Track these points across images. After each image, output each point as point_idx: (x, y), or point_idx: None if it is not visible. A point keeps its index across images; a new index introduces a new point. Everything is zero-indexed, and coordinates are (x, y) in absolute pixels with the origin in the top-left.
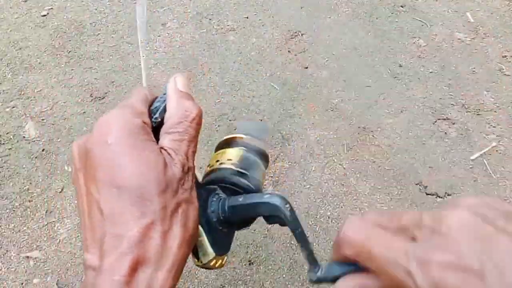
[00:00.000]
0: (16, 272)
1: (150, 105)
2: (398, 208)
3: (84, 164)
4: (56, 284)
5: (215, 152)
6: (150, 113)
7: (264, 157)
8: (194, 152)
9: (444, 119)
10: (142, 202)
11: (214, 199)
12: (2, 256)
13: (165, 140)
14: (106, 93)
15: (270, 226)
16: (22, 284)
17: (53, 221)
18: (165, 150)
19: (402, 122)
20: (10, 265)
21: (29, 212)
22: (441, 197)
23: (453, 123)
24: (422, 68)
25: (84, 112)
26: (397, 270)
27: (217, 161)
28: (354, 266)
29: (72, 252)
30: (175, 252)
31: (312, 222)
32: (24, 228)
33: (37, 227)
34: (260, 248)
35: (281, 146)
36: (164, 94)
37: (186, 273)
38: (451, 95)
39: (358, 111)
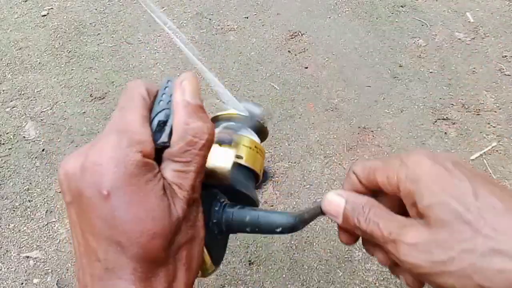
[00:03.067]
0: (16, 272)
1: (151, 108)
2: None
3: (76, 201)
4: (56, 284)
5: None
6: (151, 119)
7: (261, 134)
8: (201, 181)
9: (444, 119)
10: (145, 258)
11: (216, 208)
12: (2, 256)
13: (168, 169)
14: (106, 93)
15: None
16: (22, 284)
17: (53, 221)
18: (169, 184)
19: (402, 122)
20: (10, 265)
21: (29, 212)
22: None
23: (453, 123)
24: (422, 68)
25: (84, 112)
26: (393, 164)
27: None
28: None
29: (72, 252)
30: None
31: (312, 222)
32: (24, 228)
33: (37, 227)
34: (260, 248)
35: (281, 146)
36: (166, 88)
37: None
38: (451, 95)
39: (358, 111)
